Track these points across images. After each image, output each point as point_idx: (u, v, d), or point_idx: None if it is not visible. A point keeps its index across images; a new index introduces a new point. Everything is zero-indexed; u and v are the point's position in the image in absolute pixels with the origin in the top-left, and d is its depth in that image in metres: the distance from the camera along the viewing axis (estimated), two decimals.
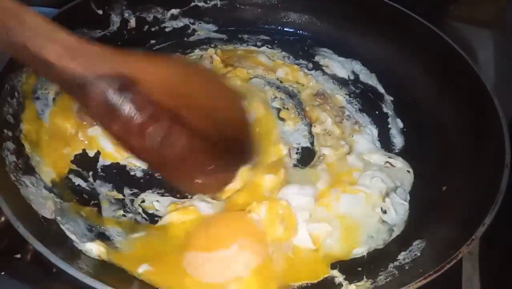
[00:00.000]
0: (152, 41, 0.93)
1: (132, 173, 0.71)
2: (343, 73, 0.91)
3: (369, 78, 0.90)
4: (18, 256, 0.64)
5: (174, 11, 0.94)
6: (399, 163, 0.74)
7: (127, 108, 0.52)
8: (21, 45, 0.48)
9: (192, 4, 0.94)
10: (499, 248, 0.77)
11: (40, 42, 0.48)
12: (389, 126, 0.82)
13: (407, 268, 0.59)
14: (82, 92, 0.51)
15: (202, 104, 0.59)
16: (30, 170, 0.65)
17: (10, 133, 0.66)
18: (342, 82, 0.89)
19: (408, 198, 0.71)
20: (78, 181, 0.68)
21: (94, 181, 0.69)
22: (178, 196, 0.68)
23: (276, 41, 0.95)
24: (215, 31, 0.96)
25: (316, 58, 0.93)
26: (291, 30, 0.98)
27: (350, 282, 0.59)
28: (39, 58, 0.49)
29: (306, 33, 0.97)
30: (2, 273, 0.62)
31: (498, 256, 0.77)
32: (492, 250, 0.77)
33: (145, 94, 0.53)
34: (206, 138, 0.59)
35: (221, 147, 0.62)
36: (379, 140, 0.80)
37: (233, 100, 0.66)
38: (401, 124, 0.82)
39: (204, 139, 0.59)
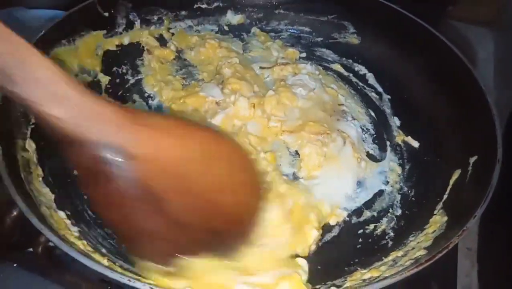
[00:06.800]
0: None
1: None
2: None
3: (367, 77, 0.92)
4: (30, 249, 0.65)
5: (178, 13, 0.95)
6: None
7: (112, 179, 0.46)
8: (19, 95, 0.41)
9: (195, 6, 0.96)
10: (497, 244, 0.78)
11: (45, 98, 0.41)
12: (386, 124, 0.84)
13: (400, 260, 0.60)
14: (72, 146, 0.45)
15: (198, 192, 0.51)
16: (41, 166, 0.66)
17: (20, 132, 0.67)
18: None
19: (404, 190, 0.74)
20: None
21: None
22: None
23: (276, 41, 0.97)
24: (217, 32, 0.97)
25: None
26: (291, 30, 0.99)
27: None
28: (39, 113, 0.42)
29: (305, 34, 0.98)
30: (15, 265, 0.63)
31: (496, 251, 0.78)
32: (490, 246, 0.79)
33: (136, 176, 0.46)
34: (184, 227, 0.50)
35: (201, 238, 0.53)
36: (375, 137, 0.82)
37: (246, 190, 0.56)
38: (398, 122, 0.84)
39: (180, 227, 0.50)
